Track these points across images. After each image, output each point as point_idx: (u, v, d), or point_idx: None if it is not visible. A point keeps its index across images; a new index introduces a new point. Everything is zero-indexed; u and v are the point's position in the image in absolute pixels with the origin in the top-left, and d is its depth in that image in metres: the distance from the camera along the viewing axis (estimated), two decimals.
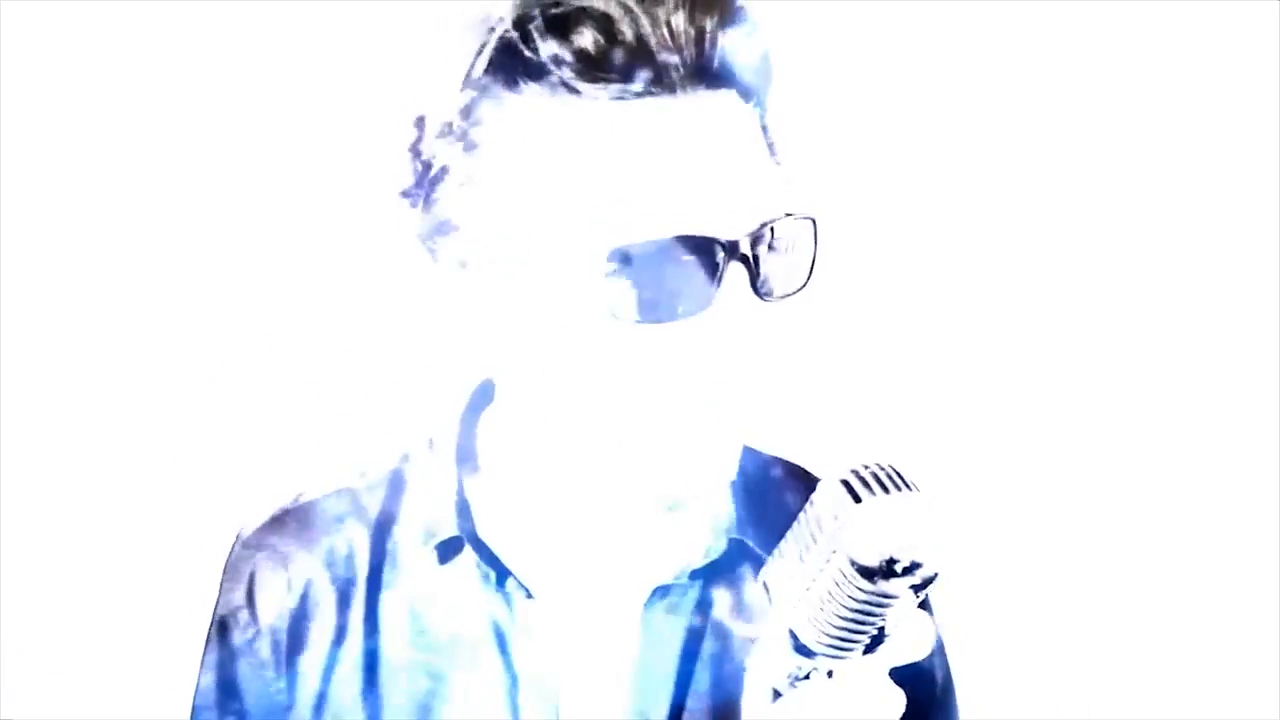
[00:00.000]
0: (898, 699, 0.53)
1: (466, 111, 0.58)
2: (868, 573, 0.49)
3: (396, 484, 0.70)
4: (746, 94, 0.59)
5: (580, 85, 0.56)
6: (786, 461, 0.76)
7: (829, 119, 1.35)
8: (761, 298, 0.58)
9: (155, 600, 1.37)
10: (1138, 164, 1.47)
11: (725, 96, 0.58)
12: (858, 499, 0.50)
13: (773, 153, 0.61)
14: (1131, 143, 1.47)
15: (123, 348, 1.40)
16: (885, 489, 0.50)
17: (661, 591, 0.66)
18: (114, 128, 1.34)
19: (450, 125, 0.58)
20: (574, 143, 0.56)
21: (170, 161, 1.36)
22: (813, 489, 0.52)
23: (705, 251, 0.56)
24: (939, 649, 0.75)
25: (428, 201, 0.60)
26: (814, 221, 0.60)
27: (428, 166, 0.59)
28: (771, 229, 0.58)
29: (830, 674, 0.53)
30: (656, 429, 0.59)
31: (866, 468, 0.51)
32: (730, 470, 0.61)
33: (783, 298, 0.60)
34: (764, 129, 0.61)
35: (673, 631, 0.66)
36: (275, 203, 1.33)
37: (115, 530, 1.40)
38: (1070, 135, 1.47)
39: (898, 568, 0.49)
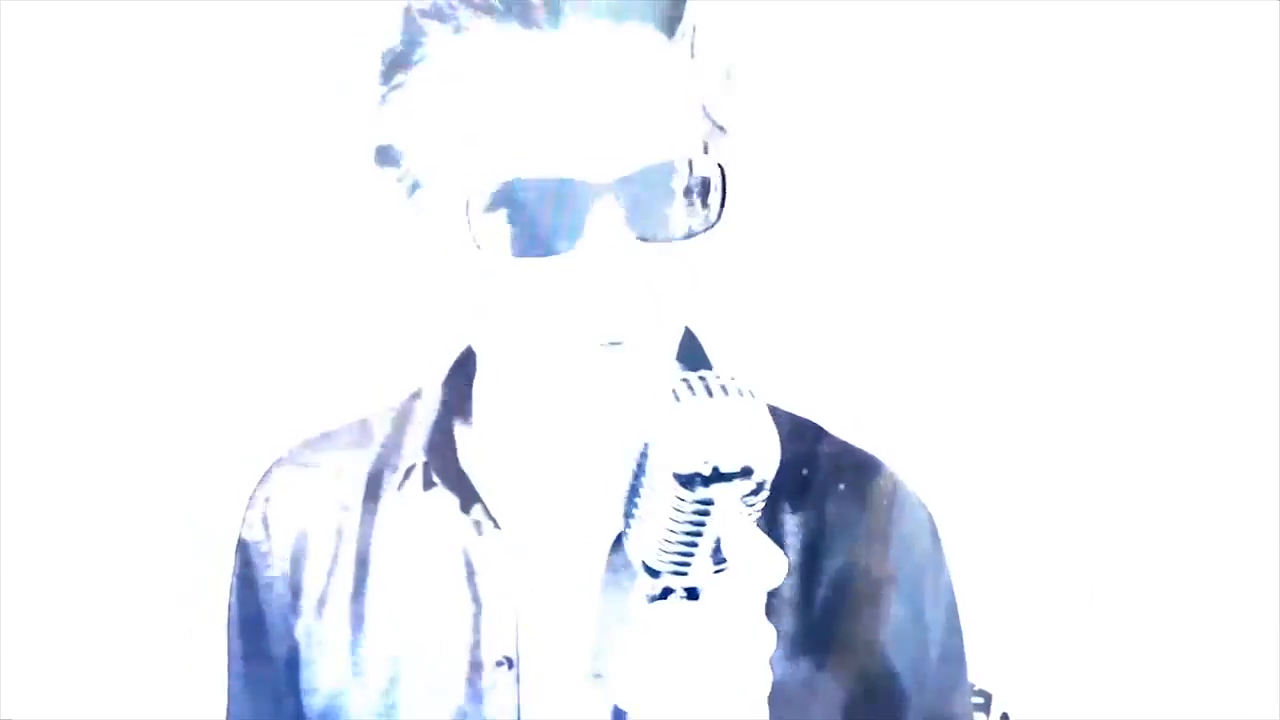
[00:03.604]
0: (767, 635, 0.51)
1: (402, 43, 0.59)
2: (686, 479, 0.48)
3: (403, 416, 0.74)
4: (660, 28, 0.58)
5: (465, 19, 0.57)
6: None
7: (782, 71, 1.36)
8: (642, 239, 0.57)
9: (155, 601, 1.37)
10: (1135, 163, 1.47)
11: (629, 30, 0.57)
12: (679, 401, 0.49)
13: (689, 92, 0.60)
14: (1129, 142, 1.47)
15: (129, 329, 1.40)
16: (710, 393, 0.48)
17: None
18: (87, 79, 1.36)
19: (391, 55, 0.60)
20: (464, 77, 0.57)
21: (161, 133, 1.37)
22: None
23: (569, 193, 0.56)
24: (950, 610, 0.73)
25: (374, 131, 0.61)
26: (721, 167, 0.59)
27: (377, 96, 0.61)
28: (663, 171, 0.57)
29: (694, 595, 0.51)
30: (573, 374, 0.59)
31: (700, 376, 0.49)
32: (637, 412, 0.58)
33: (677, 239, 0.58)
34: (680, 66, 0.59)
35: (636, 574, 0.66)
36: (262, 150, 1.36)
37: (116, 529, 1.40)
38: (1068, 132, 1.47)
39: (708, 471, 0.48)
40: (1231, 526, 1.47)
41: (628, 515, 0.52)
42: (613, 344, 0.58)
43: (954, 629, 0.73)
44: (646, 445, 0.50)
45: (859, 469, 0.72)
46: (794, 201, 1.36)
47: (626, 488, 0.52)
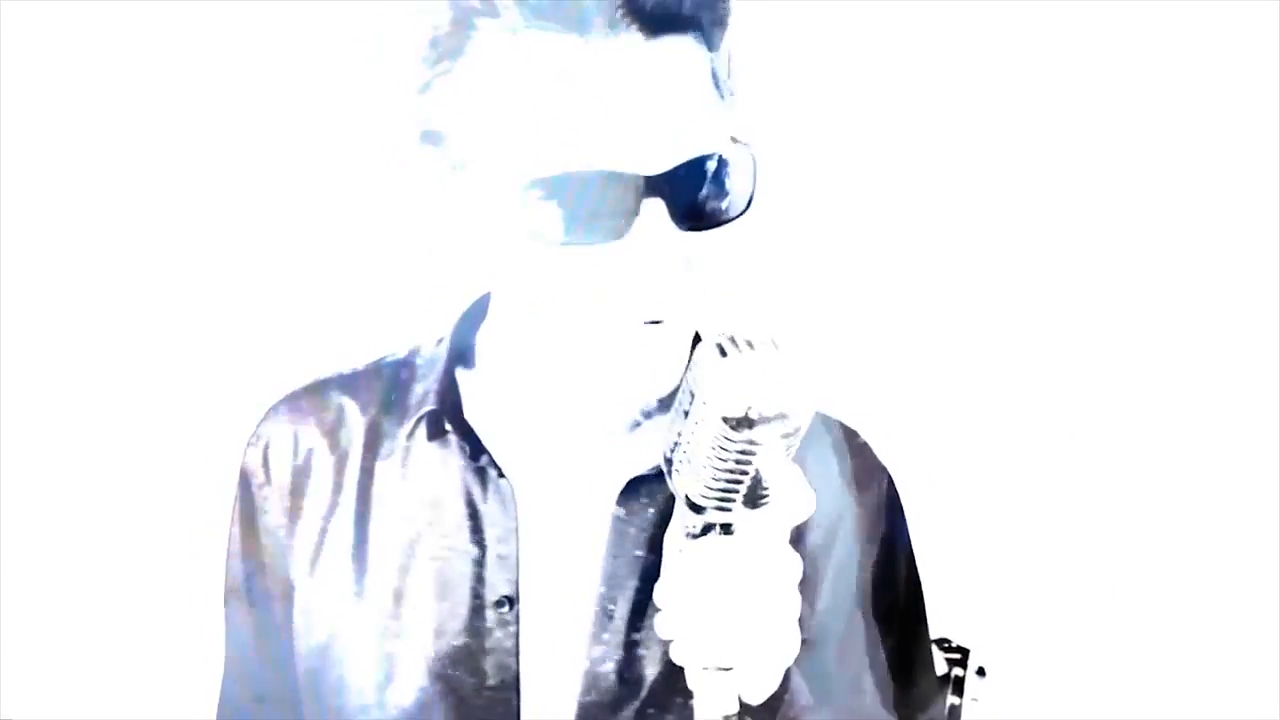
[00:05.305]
0: (795, 564, 0.57)
1: (452, 32, 0.62)
2: (734, 423, 0.54)
3: (402, 371, 0.77)
4: (697, 37, 0.63)
5: (519, 22, 0.60)
6: None
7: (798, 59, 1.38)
8: (685, 228, 0.61)
9: (155, 601, 1.37)
10: (1136, 162, 1.48)
11: (670, 40, 0.61)
12: (725, 355, 0.55)
13: (720, 92, 0.65)
14: (1130, 141, 1.48)
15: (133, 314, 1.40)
16: (752, 347, 0.55)
17: (635, 483, 0.70)
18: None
19: (438, 42, 0.62)
20: (518, 74, 0.61)
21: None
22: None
23: (621, 185, 0.60)
24: (908, 557, 0.78)
25: (419, 110, 0.64)
26: (752, 155, 0.64)
27: (420, 80, 0.64)
28: (701, 164, 0.62)
29: (729, 530, 0.57)
30: (603, 344, 0.64)
31: (739, 334, 0.56)
32: (666, 387, 0.65)
33: (713, 226, 0.63)
34: (713, 71, 0.64)
35: (643, 522, 0.70)
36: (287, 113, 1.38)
37: (116, 530, 1.40)
38: (1069, 131, 1.48)
39: (756, 415, 0.54)
40: (1202, 484, 1.49)
41: (673, 459, 0.58)
42: (653, 322, 0.63)
43: (915, 580, 0.79)
44: (693, 395, 0.56)
45: (833, 433, 0.77)
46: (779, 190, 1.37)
47: (673, 435, 0.57)
